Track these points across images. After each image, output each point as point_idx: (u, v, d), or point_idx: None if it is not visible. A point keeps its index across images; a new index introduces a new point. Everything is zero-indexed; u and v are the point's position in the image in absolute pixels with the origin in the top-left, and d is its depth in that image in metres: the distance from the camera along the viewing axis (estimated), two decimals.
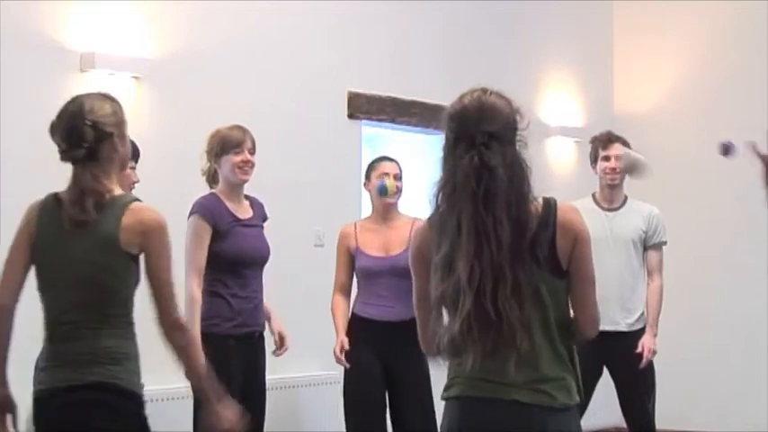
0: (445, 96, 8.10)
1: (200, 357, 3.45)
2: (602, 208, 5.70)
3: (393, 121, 6.84)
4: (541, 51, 7.97)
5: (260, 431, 4.88)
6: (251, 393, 4.70)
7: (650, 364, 5.60)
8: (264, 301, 4.97)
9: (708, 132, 8.10)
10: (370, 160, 5.68)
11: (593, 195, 5.77)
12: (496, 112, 2.99)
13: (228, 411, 3.37)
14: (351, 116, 6.57)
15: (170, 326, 3.28)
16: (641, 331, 5.63)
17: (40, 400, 3.35)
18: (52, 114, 5.03)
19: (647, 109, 8.37)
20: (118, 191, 3.35)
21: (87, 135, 3.30)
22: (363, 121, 6.66)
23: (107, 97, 3.40)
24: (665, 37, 8.32)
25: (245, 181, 4.82)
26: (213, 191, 4.83)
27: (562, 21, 8.11)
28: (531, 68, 7.84)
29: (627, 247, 5.62)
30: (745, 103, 7.92)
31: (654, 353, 5.52)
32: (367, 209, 5.90)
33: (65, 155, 3.34)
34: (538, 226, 2.87)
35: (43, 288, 3.37)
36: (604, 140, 5.75)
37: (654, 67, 8.35)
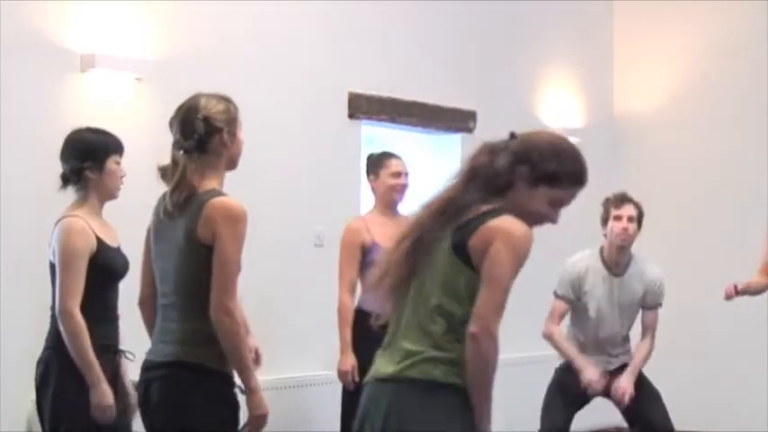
0: (445, 97, 8.14)
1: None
2: (610, 272, 5.60)
3: (393, 121, 6.84)
4: (541, 51, 7.97)
5: None
6: None
7: (653, 390, 5.59)
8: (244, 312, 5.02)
9: (708, 132, 8.12)
10: (372, 154, 5.74)
11: (601, 253, 5.66)
12: (535, 140, 3.16)
13: (260, 401, 3.54)
14: (351, 116, 6.57)
15: (218, 311, 3.44)
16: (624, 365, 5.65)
17: (143, 371, 3.61)
18: (52, 114, 5.06)
19: (646, 109, 8.37)
20: (212, 186, 3.56)
21: (198, 127, 3.54)
22: (363, 121, 6.66)
23: (223, 98, 3.66)
24: (665, 37, 8.32)
25: None
26: None
27: (562, 21, 8.11)
28: (531, 68, 7.84)
29: (625, 311, 5.63)
30: (745, 103, 7.93)
31: (631, 396, 5.50)
32: (366, 208, 5.92)
33: (177, 144, 3.58)
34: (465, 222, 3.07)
35: (155, 272, 3.63)
36: (617, 200, 5.64)
37: (654, 68, 8.36)
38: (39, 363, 4.12)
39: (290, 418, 5.93)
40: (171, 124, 3.63)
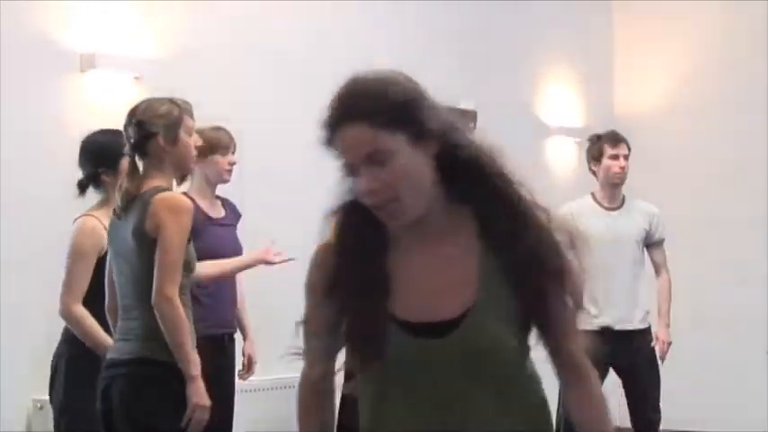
0: (445, 97, 8.04)
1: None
2: (604, 207, 5.70)
3: None
4: (541, 51, 7.97)
5: None
6: (213, 399, 4.46)
7: (655, 362, 5.61)
8: (246, 318, 5.02)
9: (708, 132, 8.12)
10: None
11: (593, 195, 5.77)
12: None
13: (200, 394, 3.62)
14: None
15: (158, 298, 3.51)
16: (646, 330, 5.64)
17: (104, 369, 3.69)
18: (52, 114, 5.06)
19: (647, 109, 8.37)
20: (157, 184, 3.60)
21: (130, 132, 3.63)
22: None
23: (168, 101, 3.69)
24: (665, 37, 8.32)
25: (228, 182, 4.85)
26: (183, 191, 4.81)
27: (562, 20, 8.10)
28: (531, 68, 7.84)
29: (630, 246, 5.63)
30: (744, 103, 7.93)
31: (669, 344, 5.55)
32: None
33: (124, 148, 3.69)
34: None
35: (114, 273, 3.72)
36: (612, 139, 5.74)
37: (654, 67, 8.35)
38: (54, 355, 4.19)
39: (287, 418, 5.92)
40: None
